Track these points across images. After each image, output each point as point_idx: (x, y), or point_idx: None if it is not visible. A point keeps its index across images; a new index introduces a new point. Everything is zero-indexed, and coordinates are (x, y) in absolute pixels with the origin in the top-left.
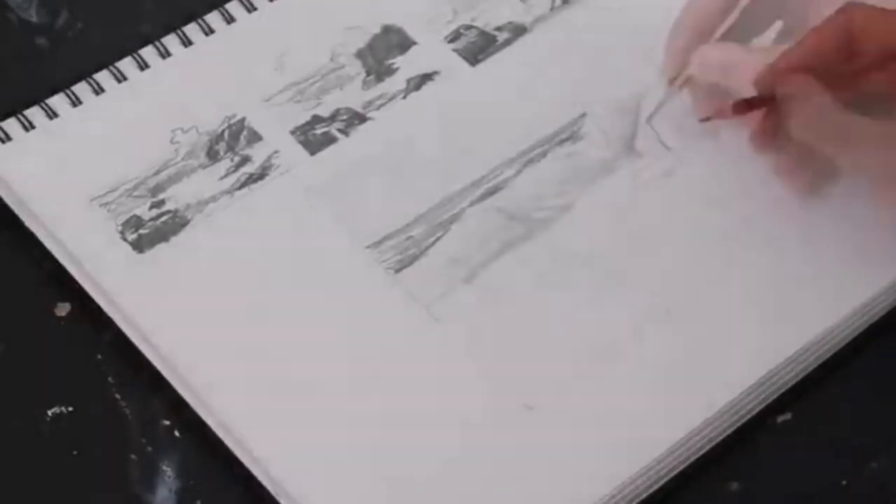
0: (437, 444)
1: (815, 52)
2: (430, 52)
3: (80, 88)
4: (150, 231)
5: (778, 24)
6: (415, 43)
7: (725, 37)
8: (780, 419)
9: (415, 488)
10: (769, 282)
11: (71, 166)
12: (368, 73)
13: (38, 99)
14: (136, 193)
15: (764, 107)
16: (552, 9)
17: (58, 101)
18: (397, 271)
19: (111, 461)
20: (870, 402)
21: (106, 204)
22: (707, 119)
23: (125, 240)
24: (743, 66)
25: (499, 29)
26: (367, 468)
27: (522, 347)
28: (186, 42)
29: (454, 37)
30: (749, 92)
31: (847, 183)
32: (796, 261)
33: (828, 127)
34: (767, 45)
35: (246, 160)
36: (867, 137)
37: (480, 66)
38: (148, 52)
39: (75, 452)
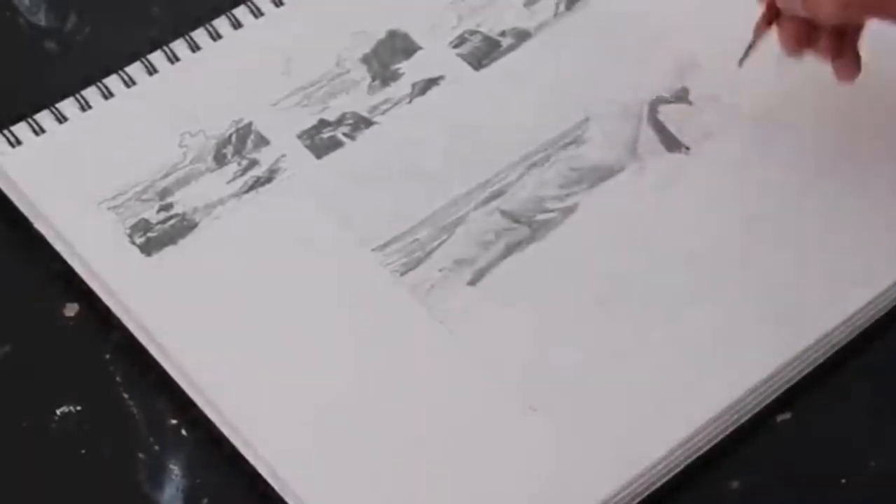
0: (441, 445)
1: None
2: (434, 56)
3: (90, 93)
4: (158, 234)
5: None
6: (420, 48)
7: None
8: (779, 419)
9: (418, 488)
10: (770, 283)
11: (80, 170)
12: (374, 78)
13: (47, 103)
14: (144, 197)
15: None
16: (556, 14)
17: (67, 105)
18: (403, 274)
19: (119, 460)
20: (869, 401)
21: (114, 207)
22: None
23: (133, 243)
24: None
25: (503, 34)
26: (370, 468)
27: (526, 349)
28: (194, 47)
29: (459, 42)
30: (822, 18)
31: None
32: (797, 262)
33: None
34: None
35: (253, 164)
36: None
37: (485, 70)
38: (156, 57)
39: (83, 451)
